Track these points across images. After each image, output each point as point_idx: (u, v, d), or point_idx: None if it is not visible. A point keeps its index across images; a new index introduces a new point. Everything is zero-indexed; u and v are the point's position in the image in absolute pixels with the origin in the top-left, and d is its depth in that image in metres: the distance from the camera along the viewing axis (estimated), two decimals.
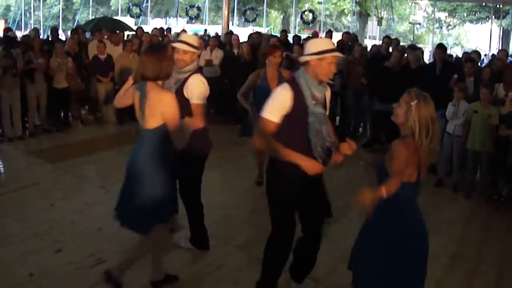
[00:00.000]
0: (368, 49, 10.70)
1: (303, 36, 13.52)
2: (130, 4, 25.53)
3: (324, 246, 3.64)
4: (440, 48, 7.73)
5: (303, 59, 3.19)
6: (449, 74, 7.23)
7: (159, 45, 3.62)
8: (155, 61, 3.29)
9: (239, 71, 9.00)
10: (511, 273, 4.45)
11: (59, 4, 28.13)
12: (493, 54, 14.07)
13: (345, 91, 8.57)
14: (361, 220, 3.11)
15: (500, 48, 20.34)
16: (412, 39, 29.01)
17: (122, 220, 3.54)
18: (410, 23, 32.78)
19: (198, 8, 24.92)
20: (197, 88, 3.85)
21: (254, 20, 24.23)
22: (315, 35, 11.62)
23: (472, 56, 8.58)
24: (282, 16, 36.36)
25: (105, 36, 10.12)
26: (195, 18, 24.71)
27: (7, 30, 11.58)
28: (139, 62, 3.42)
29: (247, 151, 5.98)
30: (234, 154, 7.40)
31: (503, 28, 24.08)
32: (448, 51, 10.87)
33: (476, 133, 6.16)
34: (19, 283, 3.81)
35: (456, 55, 12.28)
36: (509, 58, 9.07)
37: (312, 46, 3.17)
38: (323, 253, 3.67)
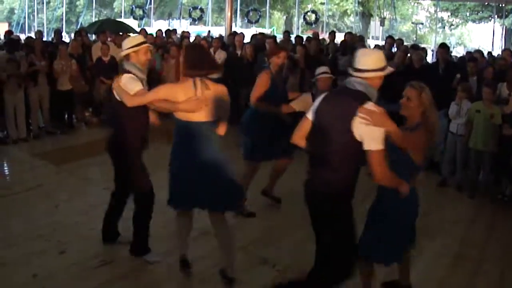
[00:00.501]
0: None
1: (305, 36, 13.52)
2: (133, 6, 25.58)
3: None
4: (443, 47, 7.72)
5: (369, 75, 2.96)
6: (452, 73, 7.22)
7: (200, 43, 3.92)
8: (207, 58, 3.61)
9: (242, 72, 9.03)
10: None
11: (63, 6, 28.22)
12: (489, 52, 13.98)
13: None
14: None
15: (503, 47, 20.33)
16: (414, 39, 29.03)
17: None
18: (412, 23, 32.78)
19: (201, 10, 24.97)
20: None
21: (257, 21, 24.25)
22: (315, 36, 11.59)
23: (474, 56, 8.58)
24: (285, 17, 36.39)
25: (109, 38, 10.16)
26: (198, 20, 24.76)
27: (8, 33, 11.64)
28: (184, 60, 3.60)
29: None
30: (236, 155, 7.39)
31: (505, 27, 24.01)
32: (451, 51, 10.83)
33: (479, 133, 6.15)
34: (23, 284, 3.83)
35: (462, 55, 12.24)
36: None
37: (374, 62, 3.00)
38: None
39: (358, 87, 2.96)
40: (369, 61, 2.99)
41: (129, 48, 3.93)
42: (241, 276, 4.06)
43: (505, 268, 4.51)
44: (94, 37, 13.37)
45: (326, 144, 2.97)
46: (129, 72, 3.87)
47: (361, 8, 30.46)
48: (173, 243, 4.22)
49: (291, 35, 12.82)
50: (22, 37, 14.39)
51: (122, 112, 3.84)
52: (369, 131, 2.84)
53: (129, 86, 3.77)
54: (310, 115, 3.15)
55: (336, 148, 2.94)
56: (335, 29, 20.61)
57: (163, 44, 10.73)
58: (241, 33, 10.85)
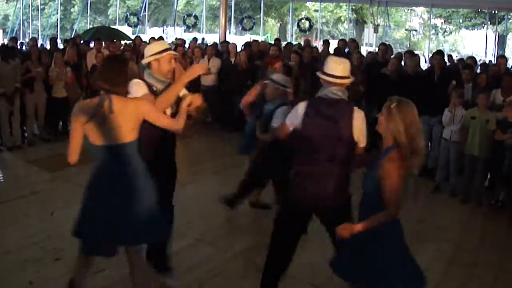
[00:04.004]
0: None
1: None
2: (127, 13, 25.63)
3: (326, 252, 3.64)
4: (439, 55, 7.77)
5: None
6: (448, 80, 7.28)
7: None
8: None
9: (237, 80, 9.08)
10: (507, 278, 4.48)
11: (57, 13, 28.20)
12: (480, 60, 14.13)
13: None
14: None
15: (496, 53, 20.45)
16: (408, 45, 29.16)
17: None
18: (406, 29, 32.92)
19: (195, 17, 25.02)
20: None
21: (251, 29, 24.31)
22: (307, 43, 11.68)
23: (469, 63, 8.64)
24: (279, 24, 36.51)
25: (103, 45, 10.18)
26: (192, 27, 24.79)
27: (13, 39, 11.67)
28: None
29: (245, 158, 5.94)
30: (232, 162, 7.42)
31: (498, 33, 24.17)
32: (445, 58, 10.89)
33: (475, 139, 6.19)
34: None
35: (455, 62, 12.30)
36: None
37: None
38: (322, 259, 3.69)
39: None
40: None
41: (150, 55, 3.57)
42: (240, 282, 4.09)
43: (499, 273, 4.55)
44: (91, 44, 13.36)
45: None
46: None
47: (354, 15, 30.61)
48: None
49: (283, 43, 12.89)
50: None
51: None
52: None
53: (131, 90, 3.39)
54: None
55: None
56: (329, 36, 20.75)
57: None
58: (233, 43, 10.89)
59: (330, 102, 3.25)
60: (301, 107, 3.28)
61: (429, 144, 7.33)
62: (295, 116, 3.32)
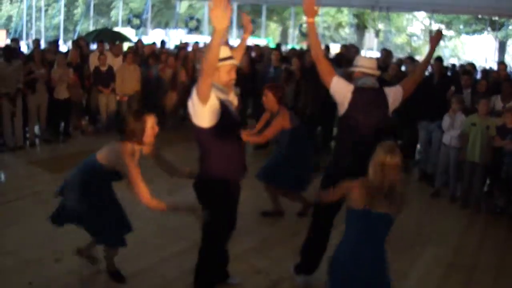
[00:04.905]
0: None
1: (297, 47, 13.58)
2: (130, 15, 25.70)
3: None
4: (438, 60, 7.81)
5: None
6: (447, 86, 7.30)
7: None
8: None
9: (238, 84, 9.07)
10: (507, 282, 4.50)
11: (60, 15, 28.27)
12: (479, 66, 14.17)
13: None
14: None
15: (496, 59, 20.51)
16: (409, 50, 29.23)
17: None
18: (407, 35, 33.00)
19: (198, 20, 25.10)
20: None
21: (253, 32, 24.40)
22: (308, 47, 11.73)
23: (468, 68, 8.68)
24: (280, 28, 36.58)
25: (107, 47, 10.22)
26: (195, 30, 24.86)
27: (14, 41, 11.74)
28: None
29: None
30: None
31: (498, 39, 24.23)
32: (445, 63, 10.91)
33: (476, 145, 6.21)
34: None
35: (455, 67, 12.34)
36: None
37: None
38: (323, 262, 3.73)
39: None
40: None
41: None
42: (240, 285, 4.10)
43: (498, 277, 4.58)
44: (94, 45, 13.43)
45: None
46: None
47: (356, 20, 30.66)
48: (170, 251, 4.26)
49: (285, 46, 12.89)
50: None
51: None
52: None
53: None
54: None
55: None
56: (330, 41, 20.77)
57: (159, 54, 10.82)
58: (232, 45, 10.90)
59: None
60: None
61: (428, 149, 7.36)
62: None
